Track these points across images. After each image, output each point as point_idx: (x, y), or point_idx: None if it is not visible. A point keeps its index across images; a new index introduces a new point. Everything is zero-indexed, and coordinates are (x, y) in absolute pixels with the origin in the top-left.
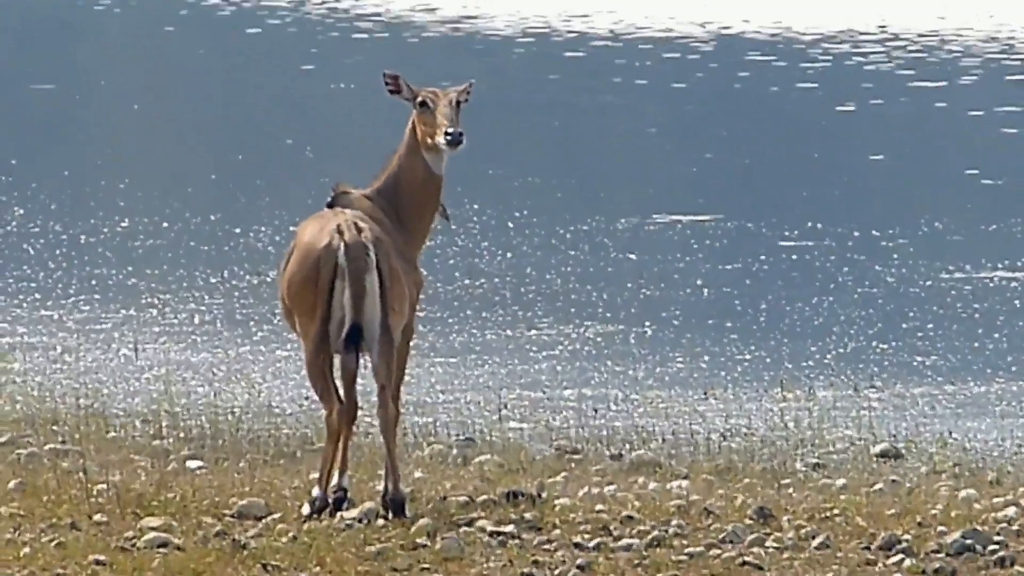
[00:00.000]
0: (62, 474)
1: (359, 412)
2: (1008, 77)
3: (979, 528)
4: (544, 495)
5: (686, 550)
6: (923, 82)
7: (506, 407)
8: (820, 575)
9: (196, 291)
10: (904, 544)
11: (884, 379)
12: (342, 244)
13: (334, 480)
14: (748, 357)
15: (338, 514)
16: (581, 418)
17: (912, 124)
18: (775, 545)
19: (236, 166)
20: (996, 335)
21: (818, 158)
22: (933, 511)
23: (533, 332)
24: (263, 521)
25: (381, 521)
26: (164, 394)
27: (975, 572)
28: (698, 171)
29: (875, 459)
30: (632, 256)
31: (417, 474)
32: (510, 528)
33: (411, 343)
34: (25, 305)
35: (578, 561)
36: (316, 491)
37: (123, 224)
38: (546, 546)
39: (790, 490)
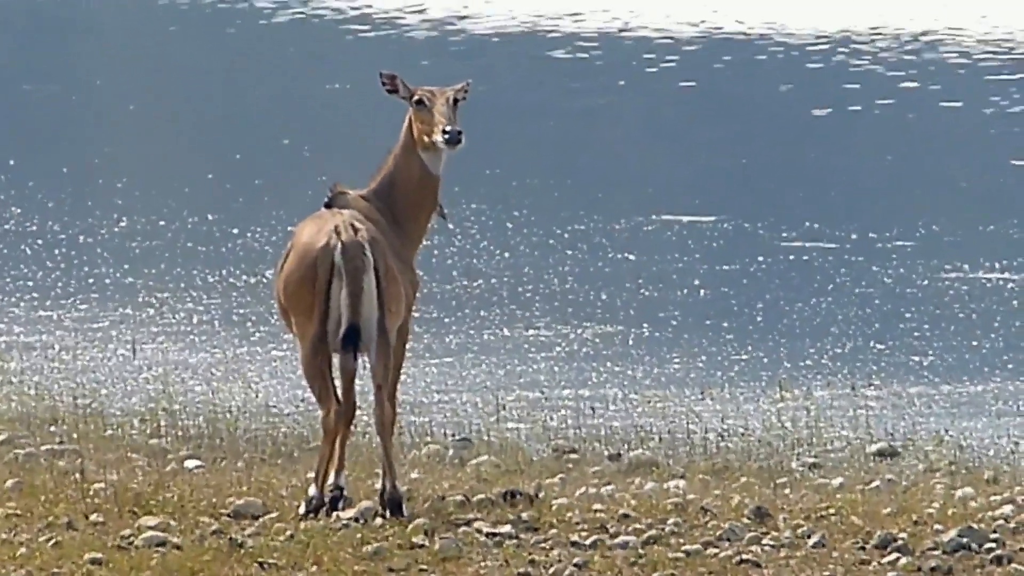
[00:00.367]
0: (59, 473)
1: (357, 412)
2: (1001, 77)
3: (975, 526)
4: (542, 495)
5: (683, 548)
6: (917, 83)
7: (503, 407)
8: (816, 573)
9: (194, 291)
10: (900, 542)
11: (881, 379)
12: (339, 244)
13: (331, 479)
14: (745, 357)
15: (335, 513)
16: (579, 418)
17: (908, 125)
18: (772, 543)
19: (233, 166)
20: (992, 335)
21: (815, 159)
22: (929, 509)
23: (530, 332)
24: (260, 520)
25: (378, 520)
26: (162, 393)
27: (971, 570)
28: (696, 172)
29: (872, 458)
30: (630, 256)
31: (414, 474)
32: (507, 528)
33: (407, 343)
34: (23, 304)
35: (575, 560)
36: (313, 490)
37: (121, 224)
38: (543, 545)
39: (787, 489)
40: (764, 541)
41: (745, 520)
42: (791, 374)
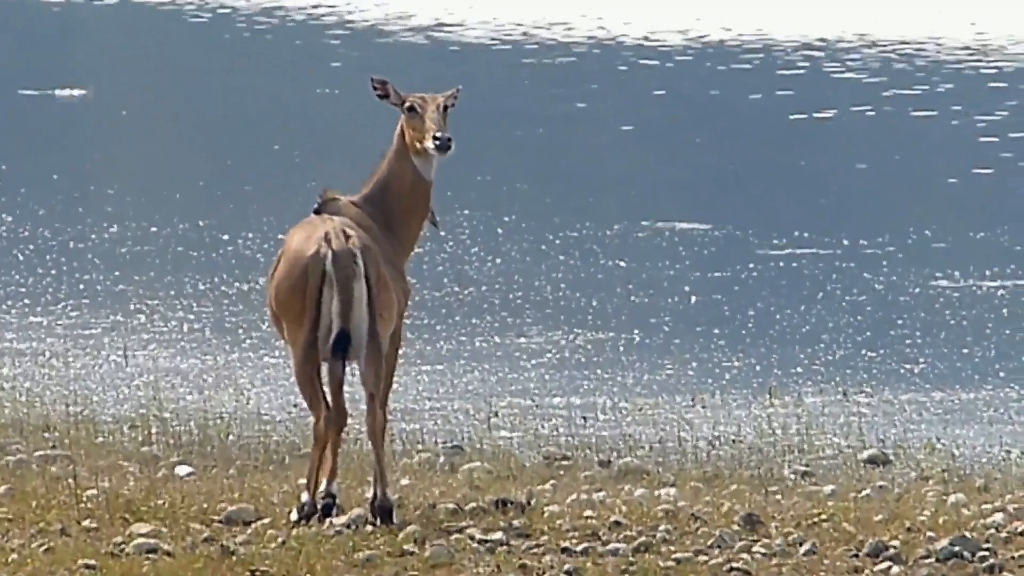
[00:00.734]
0: (51, 480)
1: (348, 419)
2: (989, 84)
3: (967, 534)
4: (533, 502)
5: (674, 556)
6: (905, 90)
7: (495, 414)
8: None
9: (185, 298)
10: (892, 550)
11: (872, 386)
12: (330, 251)
13: (322, 486)
14: (736, 364)
15: (327, 520)
16: (570, 425)
17: (896, 132)
18: (763, 551)
19: (224, 172)
20: (984, 342)
21: (805, 166)
22: (921, 517)
23: (522, 339)
24: (252, 527)
25: (370, 528)
26: (153, 400)
27: None
28: (686, 179)
29: (863, 465)
30: (621, 263)
31: (405, 481)
32: (498, 535)
33: (399, 350)
34: (14, 311)
35: (566, 567)
36: (304, 497)
37: (112, 230)
38: (534, 551)
39: (778, 496)
40: (755, 549)
41: (736, 527)
42: (782, 381)
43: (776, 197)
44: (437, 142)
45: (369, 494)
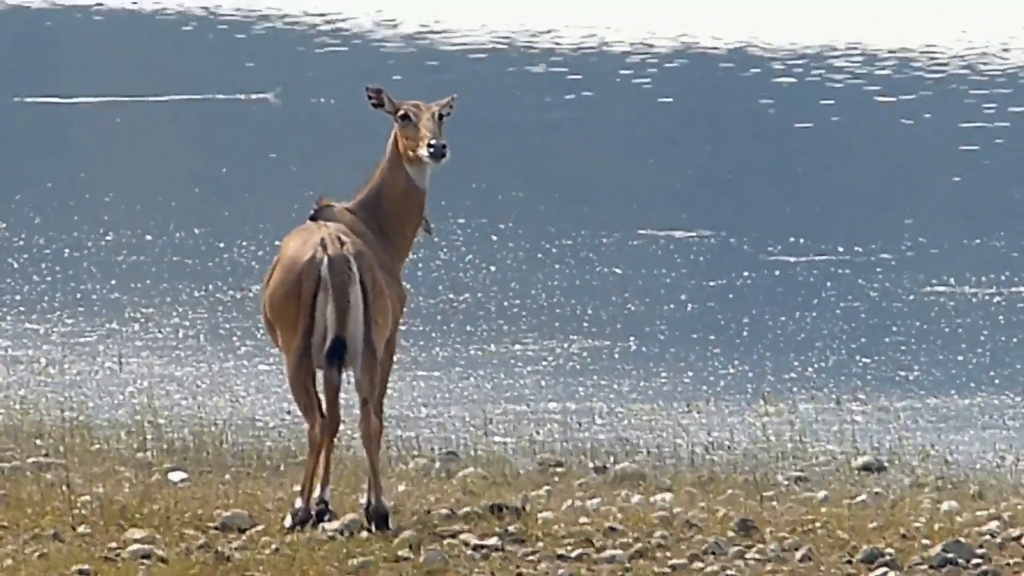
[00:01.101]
0: (46, 486)
1: (341, 426)
2: (982, 92)
3: (962, 541)
4: (528, 508)
5: (669, 562)
6: (897, 97)
7: (490, 421)
8: None
9: (180, 305)
10: (887, 557)
11: (867, 392)
12: (325, 258)
13: (316, 493)
14: (731, 370)
15: (321, 526)
16: (565, 431)
17: (890, 139)
18: (757, 557)
19: (220, 180)
20: (978, 349)
21: (799, 173)
22: (916, 524)
23: (517, 346)
24: (246, 533)
25: (364, 534)
26: (148, 407)
27: None
28: (680, 185)
29: (858, 472)
30: (616, 270)
31: (400, 487)
32: (494, 541)
33: (394, 357)
34: (9, 318)
35: (561, 572)
36: (299, 503)
37: (107, 238)
38: (530, 558)
39: (773, 502)
40: (750, 555)
41: (731, 533)
42: (776, 387)
43: (770, 204)
44: (432, 149)
45: (363, 500)
